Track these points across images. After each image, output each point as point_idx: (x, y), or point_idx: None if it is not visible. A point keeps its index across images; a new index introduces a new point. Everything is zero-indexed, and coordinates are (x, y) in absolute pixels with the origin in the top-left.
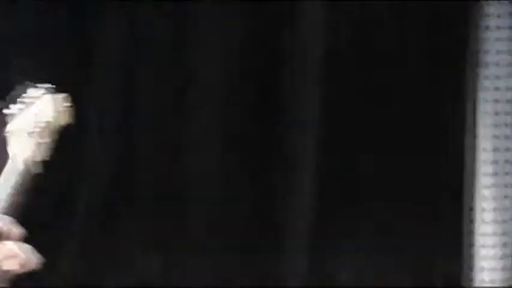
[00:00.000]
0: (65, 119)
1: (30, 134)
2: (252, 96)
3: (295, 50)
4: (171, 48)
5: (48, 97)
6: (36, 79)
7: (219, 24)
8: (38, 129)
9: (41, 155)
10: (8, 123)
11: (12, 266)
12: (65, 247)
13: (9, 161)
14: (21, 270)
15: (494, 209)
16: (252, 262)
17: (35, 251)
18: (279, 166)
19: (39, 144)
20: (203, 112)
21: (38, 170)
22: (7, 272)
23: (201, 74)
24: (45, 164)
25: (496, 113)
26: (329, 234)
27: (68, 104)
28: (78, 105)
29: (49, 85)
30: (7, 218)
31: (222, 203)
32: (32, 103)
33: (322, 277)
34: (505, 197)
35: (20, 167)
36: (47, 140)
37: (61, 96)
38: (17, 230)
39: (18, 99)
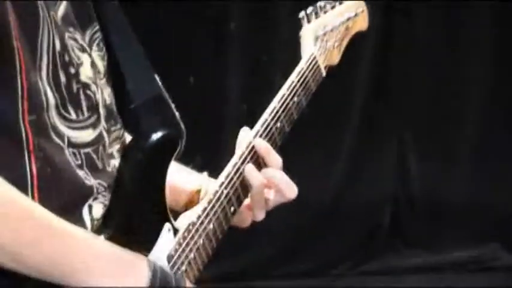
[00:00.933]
0: (362, 25)
1: (324, 36)
2: None
3: None
4: None
5: (349, 3)
6: None
7: None
8: (335, 33)
9: (331, 59)
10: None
11: (272, 195)
12: None
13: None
14: (280, 200)
15: None
16: None
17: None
18: None
19: (332, 48)
20: None
21: (323, 75)
22: (267, 200)
23: None
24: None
25: None
26: None
27: (365, 11)
28: None
29: None
30: (265, 144)
31: None
32: (331, 8)
33: None
34: None
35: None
36: (341, 44)
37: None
38: (276, 156)
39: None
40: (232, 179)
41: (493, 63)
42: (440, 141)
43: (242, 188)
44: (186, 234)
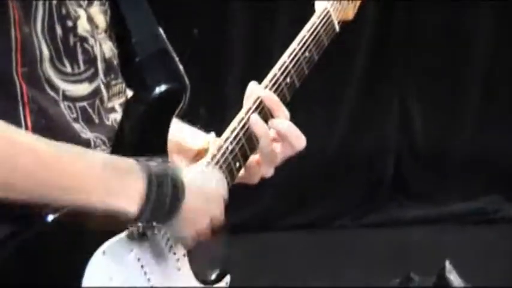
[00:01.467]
0: None
1: None
2: None
3: None
4: None
5: None
6: None
7: None
8: None
9: (345, 15)
10: None
11: (281, 147)
12: None
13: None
14: (289, 153)
15: None
16: None
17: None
18: None
19: (347, 3)
20: None
21: (336, 31)
22: (276, 154)
23: None
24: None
25: None
26: None
27: None
28: None
29: None
30: (274, 96)
31: None
32: None
33: None
34: None
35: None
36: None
37: None
38: (284, 109)
39: None
40: (238, 133)
41: (496, 14)
42: (443, 92)
43: (249, 142)
44: None
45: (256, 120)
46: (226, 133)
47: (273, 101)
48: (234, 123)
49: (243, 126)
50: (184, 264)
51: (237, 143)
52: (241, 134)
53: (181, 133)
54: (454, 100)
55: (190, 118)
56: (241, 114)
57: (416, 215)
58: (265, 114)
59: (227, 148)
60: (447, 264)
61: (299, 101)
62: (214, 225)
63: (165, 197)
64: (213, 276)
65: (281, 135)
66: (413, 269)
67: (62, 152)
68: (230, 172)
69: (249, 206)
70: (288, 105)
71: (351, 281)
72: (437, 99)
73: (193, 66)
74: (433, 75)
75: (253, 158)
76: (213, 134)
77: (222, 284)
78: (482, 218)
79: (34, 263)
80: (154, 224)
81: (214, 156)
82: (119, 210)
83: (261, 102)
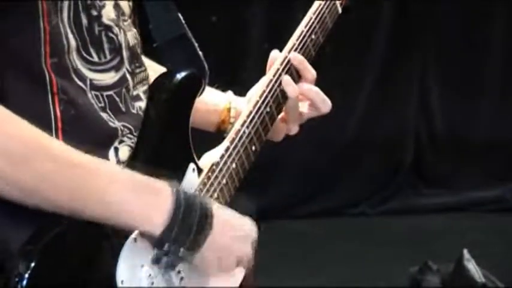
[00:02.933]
0: None
1: None
2: None
3: None
4: None
5: None
6: None
7: None
8: None
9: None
10: None
11: (307, 108)
12: None
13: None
14: (314, 114)
15: None
16: None
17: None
18: None
19: None
20: None
21: (339, 13)
22: (302, 113)
23: None
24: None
25: None
26: None
27: None
28: None
29: None
30: (301, 57)
31: None
32: None
33: None
34: None
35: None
36: None
37: None
38: (311, 70)
39: None
40: (253, 118)
41: None
42: (463, 77)
43: (276, 103)
44: (210, 174)
45: (288, 81)
46: (243, 117)
47: (300, 61)
48: (249, 107)
49: (272, 87)
50: None
51: (253, 128)
52: (269, 97)
53: (201, 96)
54: (474, 85)
55: None
56: (269, 75)
57: (435, 203)
58: (292, 74)
59: (244, 132)
60: (465, 252)
61: (318, 87)
62: (240, 264)
63: (191, 224)
64: None
65: (309, 99)
66: (431, 256)
67: (95, 164)
68: (247, 156)
69: (267, 193)
70: None
71: (370, 268)
72: (457, 83)
73: (211, 52)
74: (453, 59)
75: (279, 116)
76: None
77: (240, 268)
78: (502, 205)
79: (64, 257)
80: (180, 252)
81: (233, 140)
82: (145, 229)
83: (288, 61)
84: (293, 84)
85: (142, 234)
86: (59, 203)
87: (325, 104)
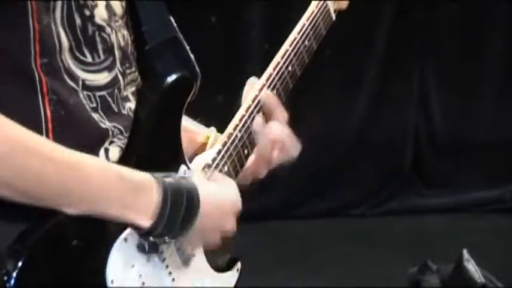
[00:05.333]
0: None
1: None
2: None
3: None
4: None
5: None
6: None
7: None
8: None
9: (340, 4)
10: None
11: (276, 152)
12: None
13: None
14: (283, 158)
15: None
16: None
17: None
18: None
19: None
20: None
21: (333, 19)
22: (271, 158)
23: None
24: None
25: None
26: None
27: None
28: None
29: None
30: (273, 96)
31: None
32: None
33: None
34: None
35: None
36: None
37: None
38: (282, 110)
39: None
40: (246, 122)
41: None
42: (463, 78)
43: (249, 141)
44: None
45: (258, 122)
46: (235, 121)
47: (272, 103)
48: (241, 112)
49: (244, 124)
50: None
51: (246, 132)
52: (248, 123)
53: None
54: (473, 85)
55: (208, 106)
56: (241, 111)
57: (435, 203)
58: (263, 113)
59: (236, 136)
60: (465, 252)
61: (318, 89)
62: (223, 238)
63: (179, 214)
64: (225, 263)
65: (277, 141)
66: (431, 257)
67: (80, 161)
68: (239, 160)
69: (266, 193)
70: (308, 94)
71: (369, 268)
72: (457, 84)
73: (211, 52)
74: (453, 60)
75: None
76: (213, 128)
77: (234, 271)
78: (502, 206)
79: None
80: (166, 239)
81: (225, 143)
82: (133, 223)
83: (259, 101)
84: (263, 128)
85: (133, 234)
86: (44, 197)
87: (294, 146)
